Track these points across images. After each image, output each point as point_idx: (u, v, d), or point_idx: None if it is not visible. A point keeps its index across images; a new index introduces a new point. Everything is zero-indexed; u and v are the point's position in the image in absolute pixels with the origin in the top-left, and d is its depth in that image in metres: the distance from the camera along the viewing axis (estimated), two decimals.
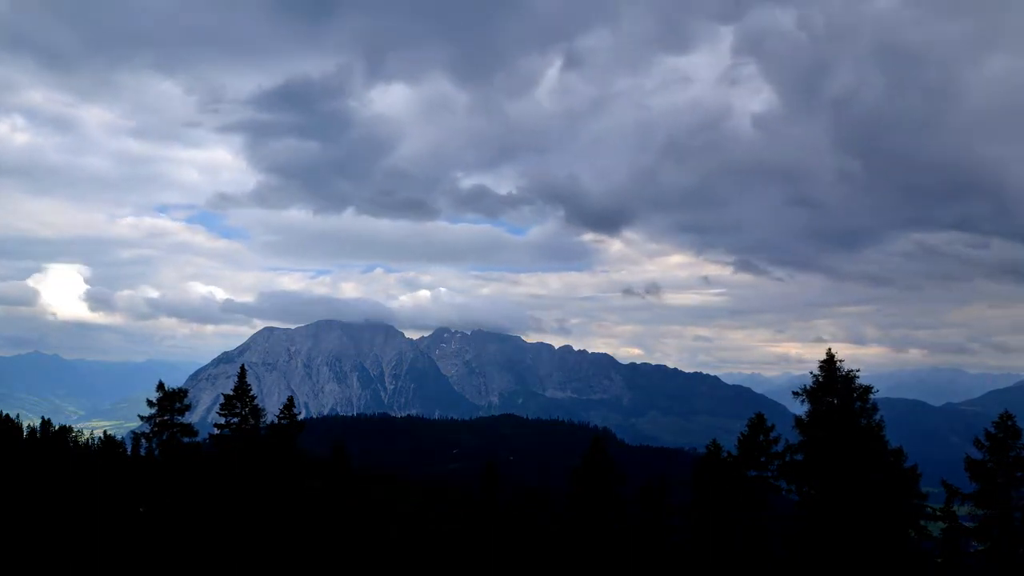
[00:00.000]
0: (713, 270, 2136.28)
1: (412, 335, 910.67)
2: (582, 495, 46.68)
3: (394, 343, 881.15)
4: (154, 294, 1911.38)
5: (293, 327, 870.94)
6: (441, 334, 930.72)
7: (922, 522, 37.77)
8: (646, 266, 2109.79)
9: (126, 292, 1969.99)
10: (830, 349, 39.73)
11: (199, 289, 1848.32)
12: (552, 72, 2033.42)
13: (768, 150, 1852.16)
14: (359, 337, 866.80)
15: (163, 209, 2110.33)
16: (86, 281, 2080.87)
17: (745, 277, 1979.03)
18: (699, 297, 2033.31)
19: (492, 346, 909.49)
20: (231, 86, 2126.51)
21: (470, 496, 59.53)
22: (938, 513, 37.14)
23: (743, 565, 39.54)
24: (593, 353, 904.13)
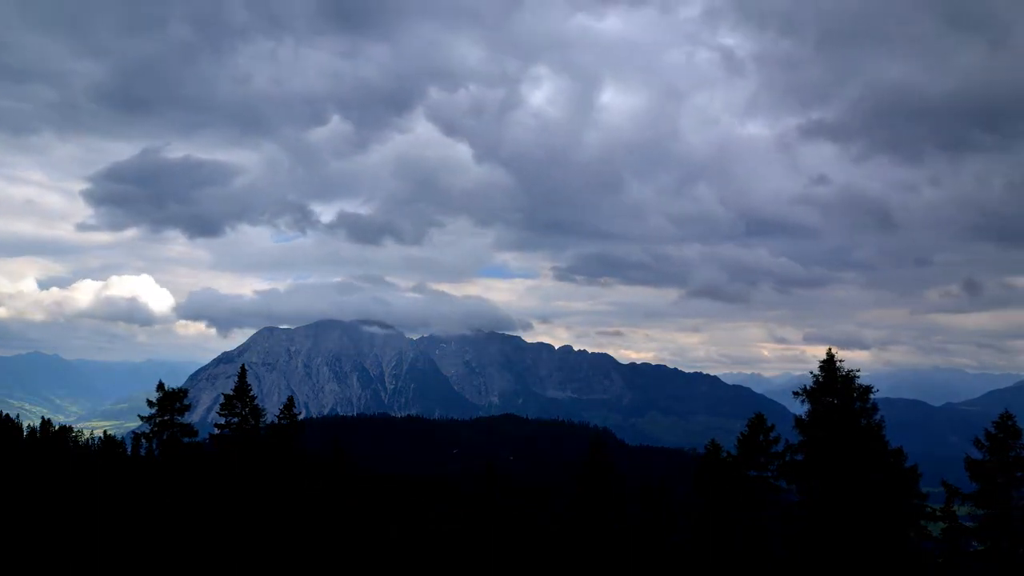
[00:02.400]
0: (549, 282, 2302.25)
1: (412, 335, 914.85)
2: (582, 495, 46.69)
3: (394, 343, 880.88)
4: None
5: (293, 327, 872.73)
6: (441, 334, 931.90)
7: (922, 522, 37.75)
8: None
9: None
10: (830, 349, 39.77)
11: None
12: (321, 139, 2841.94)
13: (495, 194, 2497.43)
14: (359, 337, 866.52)
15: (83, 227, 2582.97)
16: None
17: (569, 285, 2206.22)
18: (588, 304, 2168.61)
19: (492, 346, 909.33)
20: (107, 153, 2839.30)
21: (470, 496, 59.50)
22: (938, 513, 37.12)
23: (743, 565, 39.52)
24: (593, 353, 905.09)
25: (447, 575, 47.93)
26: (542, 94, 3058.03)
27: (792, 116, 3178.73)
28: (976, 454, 37.00)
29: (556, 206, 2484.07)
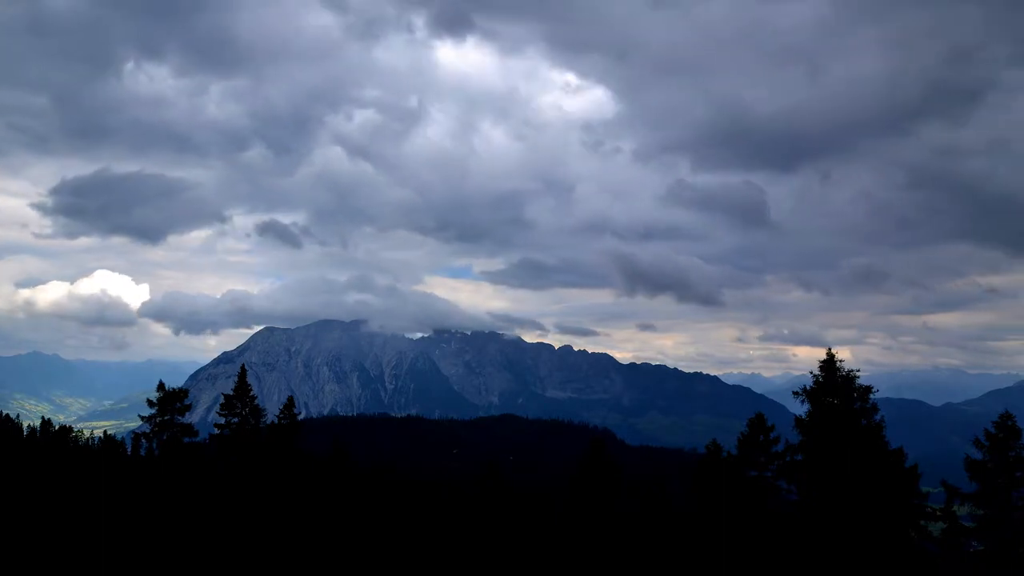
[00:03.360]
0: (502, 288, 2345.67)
1: (412, 335, 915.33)
2: (583, 496, 46.70)
3: (394, 343, 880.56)
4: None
5: (293, 327, 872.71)
6: (441, 334, 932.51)
7: (922, 522, 37.77)
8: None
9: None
10: (830, 349, 39.80)
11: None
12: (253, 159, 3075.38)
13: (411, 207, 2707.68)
14: (359, 337, 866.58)
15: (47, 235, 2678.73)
16: None
17: (511, 289, 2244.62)
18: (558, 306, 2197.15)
19: (492, 346, 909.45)
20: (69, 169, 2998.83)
21: (470, 496, 59.47)
22: (938, 513, 37.15)
23: (743, 565, 39.51)
24: (593, 353, 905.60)
25: (447, 575, 47.94)
26: (430, 125, 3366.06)
27: (653, 132, 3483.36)
28: (976, 454, 37.02)
29: (467, 221, 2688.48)
